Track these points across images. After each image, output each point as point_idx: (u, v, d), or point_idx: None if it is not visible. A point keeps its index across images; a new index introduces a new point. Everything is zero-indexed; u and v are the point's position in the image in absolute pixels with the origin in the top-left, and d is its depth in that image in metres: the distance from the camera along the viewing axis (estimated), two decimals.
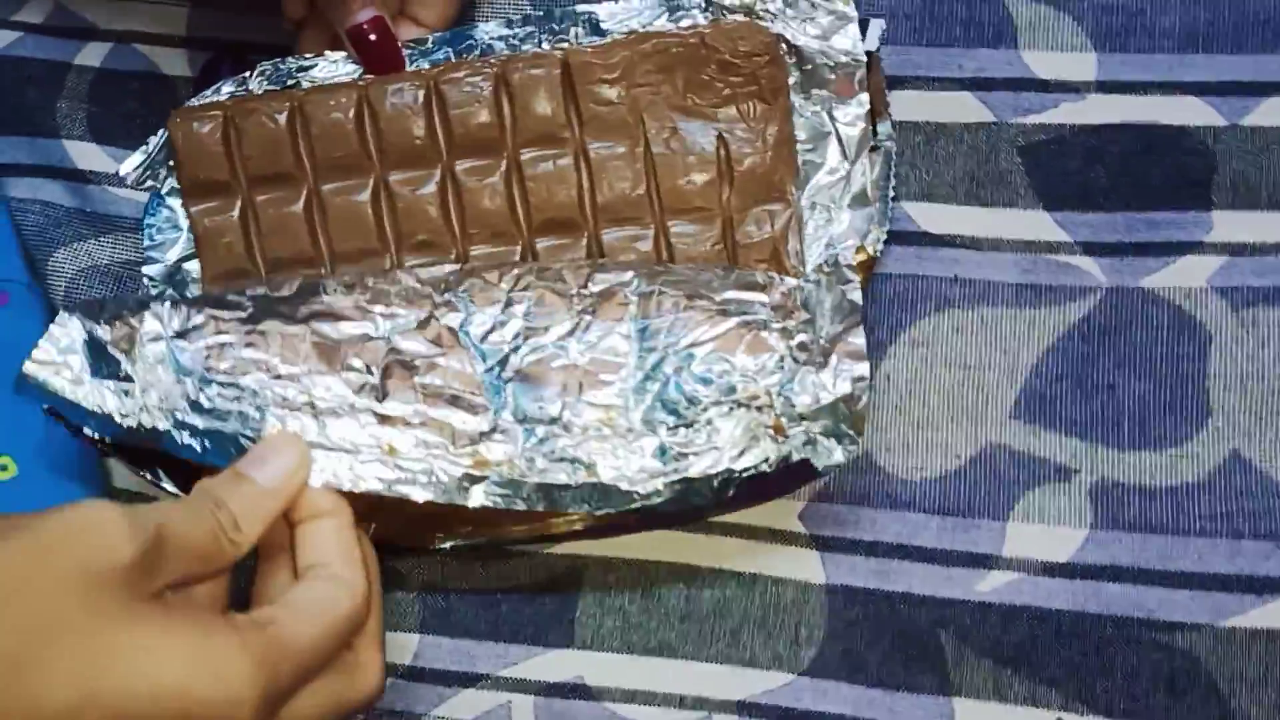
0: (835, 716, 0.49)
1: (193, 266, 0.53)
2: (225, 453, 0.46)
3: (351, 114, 0.51)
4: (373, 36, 0.51)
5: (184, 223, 0.53)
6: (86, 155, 0.59)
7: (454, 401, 0.48)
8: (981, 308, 0.52)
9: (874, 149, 0.51)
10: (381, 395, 0.48)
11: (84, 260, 0.57)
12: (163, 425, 0.47)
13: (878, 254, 0.51)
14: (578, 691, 0.51)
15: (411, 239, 0.52)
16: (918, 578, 0.50)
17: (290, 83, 0.53)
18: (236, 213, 0.52)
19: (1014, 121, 0.54)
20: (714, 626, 0.51)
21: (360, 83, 0.52)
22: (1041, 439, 0.51)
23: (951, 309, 0.53)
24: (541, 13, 0.53)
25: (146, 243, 0.53)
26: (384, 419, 0.47)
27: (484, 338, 0.49)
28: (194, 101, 0.53)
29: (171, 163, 0.53)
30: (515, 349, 0.49)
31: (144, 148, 0.53)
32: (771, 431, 0.47)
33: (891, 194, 0.52)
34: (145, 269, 0.53)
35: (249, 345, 0.48)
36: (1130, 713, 0.48)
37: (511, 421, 0.48)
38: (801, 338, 0.48)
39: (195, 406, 0.47)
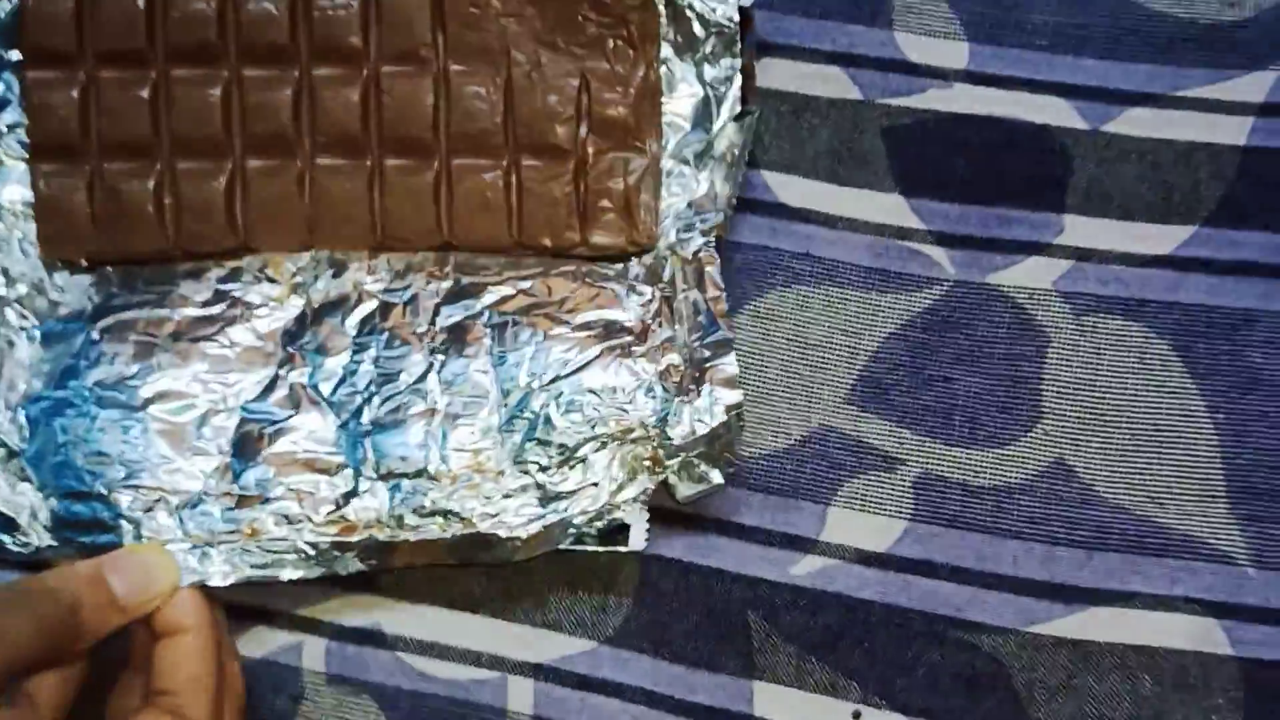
0: (633, 689, 0.47)
1: (14, 140, 0.49)
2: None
3: (213, 3, 0.48)
4: None
5: (19, 96, 0.49)
6: None
7: (310, 465, 0.45)
8: (829, 287, 0.51)
9: (740, 115, 0.49)
10: (236, 474, 0.45)
11: None
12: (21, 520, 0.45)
13: (726, 224, 0.49)
14: (373, 639, 0.48)
15: (256, 140, 0.49)
16: (733, 555, 0.48)
17: None
18: (77, 88, 0.48)
19: (880, 102, 0.52)
20: (520, 585, 0.48)
21: None
22: (873, 425, 0.49)
23: (800, 285, 0.51)
24: None
25: None
26: (241, 499, 0.45)
27: (334, 390, 0.46)
28: None
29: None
30: (369, 399, 0.46)
31: None
32: (650, 464, 0.45)
33: (746, 161, 0.50)
34: None
35: (88, 442, 0.45)
36: (927, 711, 0.46)
37: (375, 478, 0.45)
38: (669, 359, 0.47)
39: (63, 523, 0.45)
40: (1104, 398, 0.49)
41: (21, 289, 0.48)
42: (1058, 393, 0.50)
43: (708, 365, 0.45)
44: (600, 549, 0.46)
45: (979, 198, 0.52)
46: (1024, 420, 0.49)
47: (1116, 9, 0.53)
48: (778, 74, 0.53)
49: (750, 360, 0.50)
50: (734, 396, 0.45)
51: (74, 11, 0.48)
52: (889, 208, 0.52)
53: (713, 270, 0.47)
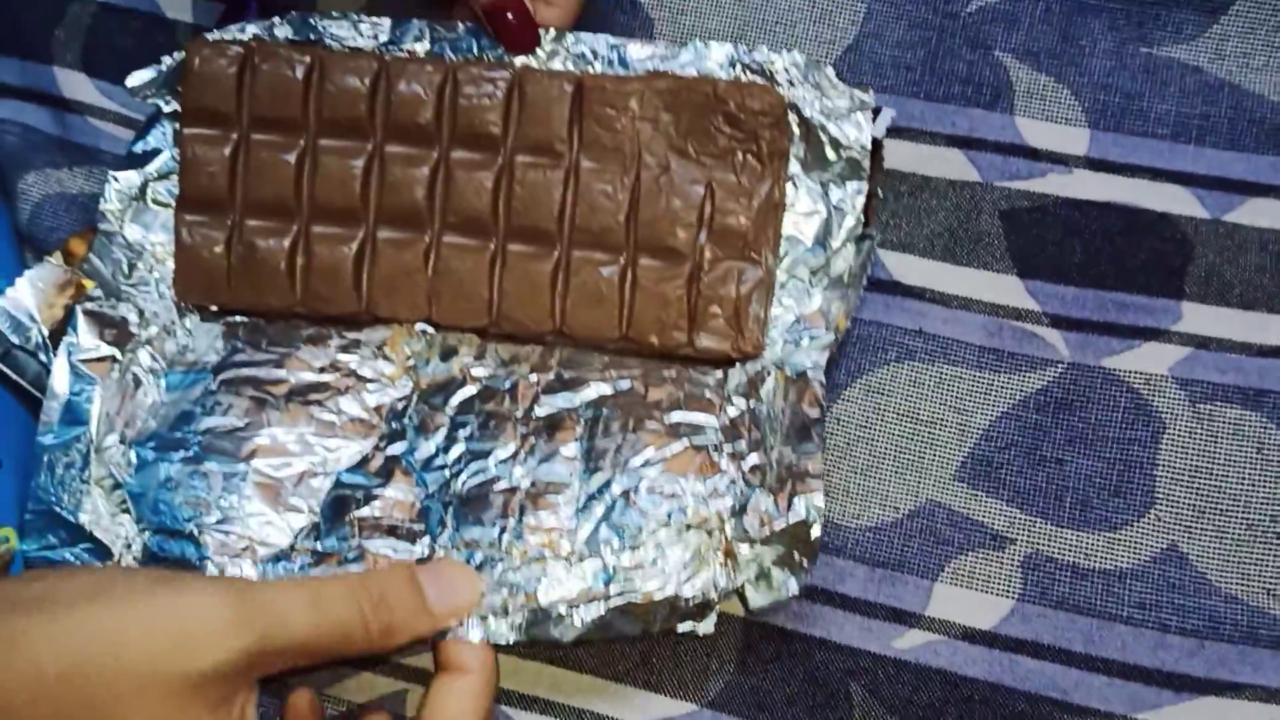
0: None
1: (162, 188, 0.51)
2: None
3: (368, 81, 0.49)
4: (509, 16, 0.49)
5: (172, 145, 0.51)
6: (75, 85, 0.57)
7: (392, 532, 0.46)
8: (942, 365, 0.50)
9: (861, 238, 0.49)
10: (321, 533, 0.46)
11: (54, 186, 0.54)
12: (115, 549, 0.47)
13: (837, 346, 0.49)
14: None
15: (390, 212, 0.50)
16: (836, 625, 0.48)
17: (313, 36, 0.51)
18: (229, 147, 0.50)
19: (999, 185, 0.52)
20: (622, 646, 0.48)
21: (384, 55, 0.50)
22: (982, 503, 0.49)
23: (912, 361, 0.50)
24: (574, 36, 0.51)
25: (130, 149, 0.51)
26: (320, 557, 0.46)
27: (427, 464, 0.48)
28: (216, 34, 0.51)
29: (179, 88, 0.51)
30: (457, 473, 0.47)
31: (157, 65, 0.50)
32: (721, 556, 0.45)
33: (865, 284, 0.49)
34: (115, 172, 0.51)
35: (190, 485, 0.47)
36: None
37: (449, 547, 0.46)
38: (754, 459, 0.46)
39: (152, 557, 0.46)
40: (1219, 486, 0.48)
41: (153, 330, 0.50)
42: (1172, 478, 0.48)
43: (795, 467, 0.45)
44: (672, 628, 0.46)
45: (1096, 282, 0.51)
46: (1137, 505, 0.48)
47: (1239, 100, 0.52)
48: (898, 155, 0.53)
49: (860, 434, 0.50)
50: (817, 497, 0.44)
51: (236, 76, 0.50)
52: (1005, 288, 0.51)
53: (818, 392, 0.47)
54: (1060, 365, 0.50)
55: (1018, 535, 0.49)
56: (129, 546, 0.47)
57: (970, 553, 0.49)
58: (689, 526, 0.46)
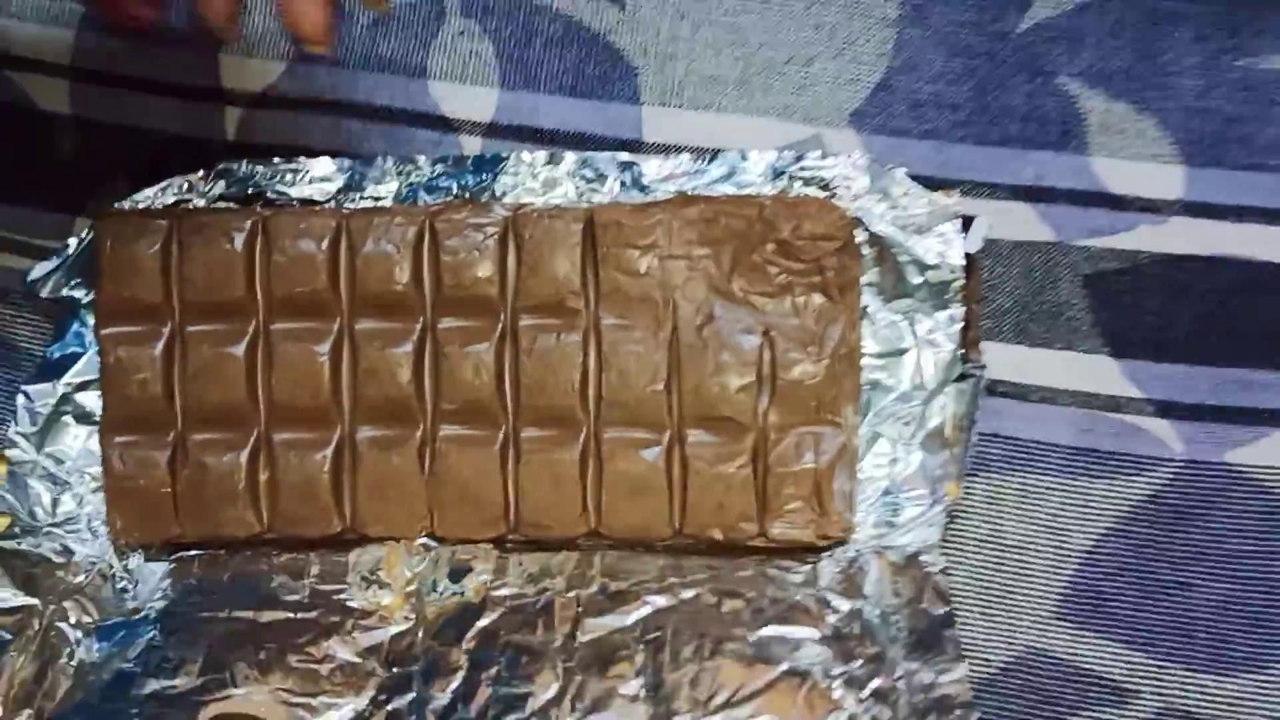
0: None
1: (86, 400, 0.44)
2: None
3: (325, 244, 0.42)
4: None
5: (94, 345, 0.43)
6: None
7: None
8: (1025, 474, 0.43)
9: (961, 377, 0.41)
10: None
11: None
12: None
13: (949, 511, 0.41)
14: None
15: (370, 406, 0.42)
16: None
17: (251, 190, 0.43)
18: (161, 346, 0.43)
19: (1079, 244, 0.44)
20: None
21: (343, 210, 0.42)
22: (1093, 648, 0.41)
23: (988, 473, 0.43)
24: (576, 157, 0.43)
25: (45, 355, 0.44)
26: None
27: (444, 718, 0.39)
28: (132, 200, 0.44)
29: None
30: None
31: (60, 252, 0.43)
32: None
33: (975, 437, 0.41)
34: (27, 387, 0.43)
35: None
36: None
37: None
38: (876, 683, 0.37)
39: None
40: None
41: (82, 577, 0.42)
42: None
43: (934, 691, 0.36)
44: None
45: (1210, 357, 0.43)
46: None
47: None
48: None
49: None
50: None
51: (161, 255, 0.42)
52: (1096, 373, 0.44)
53: (939, 580, 0.38)
54: (1174, 465, 0.43)
55: (1142, 686, 0.40)
56: None
57: (1085, 712, 0.40)
58: None
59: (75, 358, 0.44)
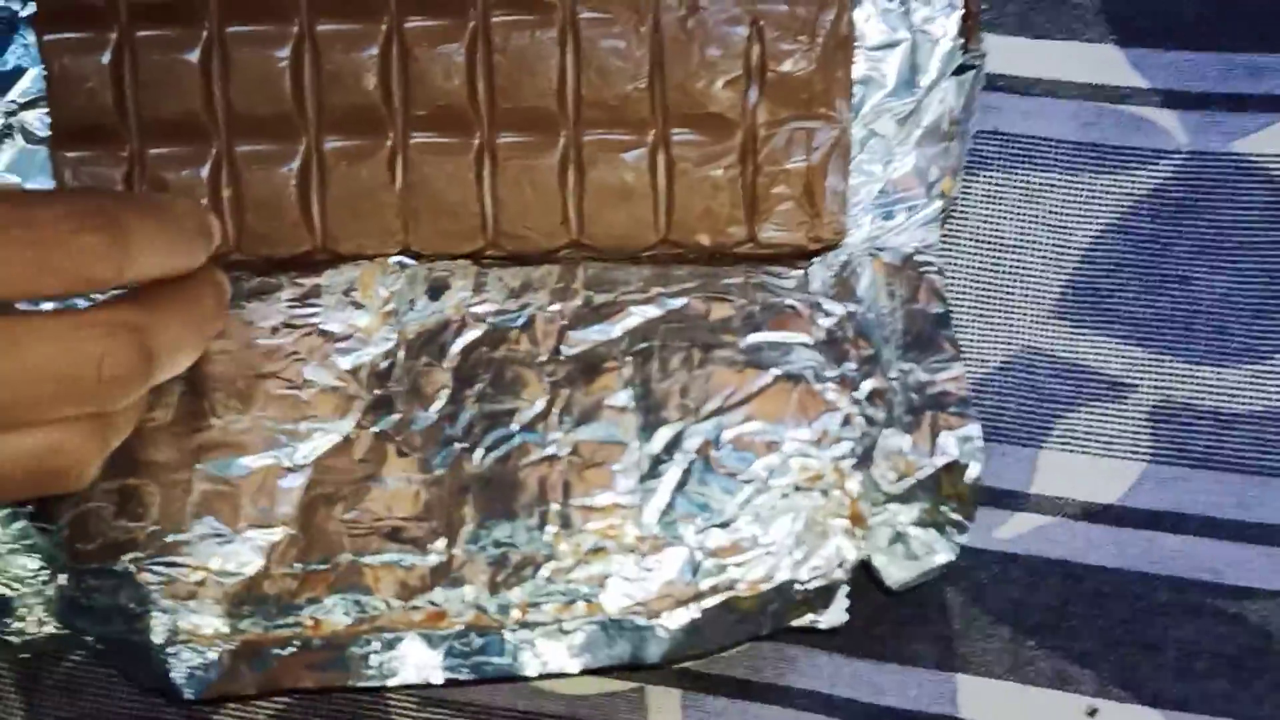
0: (805, 693, 0.38)
1: (33, 118, 0.40)
2: (130, 658, 0.36)
3: None
4: None
5: (39, 60, 0.40)
6: None
7: (394, 537, 0.36)
8: (1026, 171, 0.40)
9: (960, 69, 0.38)
10: (300, 550, 0.36)
11: None
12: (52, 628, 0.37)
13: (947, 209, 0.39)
14: None
15: (336, 113, 0.39)
16: None
17: None
18: (108, 53, 0.39)
19: None
20: None
21: None
22: (1092, 344, 0.39)
23: (987, 171, 0.40)
24: None
25: None
26: (304, 579, 0.36)
27: (429, 439, 0.37)
28: None
29: None
30: (471, 447, 0.37)
31: None
32: (847, 523, 0.35)
33: (974, 130, 0.38)
34: None
35: (118, 512, 0.36)
36: (1183, 701, 0.37)
37: (474, 550, 0.36)
38: (871, 384, 0.36)
39: (74, 607, 0.36)
40: None
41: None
42: None
43: (929, 389, 0.35)
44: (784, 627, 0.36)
45: (1218, 42, 0.40)
46: None
47: None
48: None
49: None
50: (969, 426, 0.35)
51: None
52: (1100, 62, 0.40)
53: (934, 279, 0.36)
54: (1179, 156, 0.40)
55: (1141, 380, 0.39)
56: (40, 594, 0.37)
57: (1082, 408, 0.39)
58: (796, 488, 0.35)
59: (19, 73, 0.40)
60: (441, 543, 0.36)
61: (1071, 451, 0.39)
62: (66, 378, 0.30)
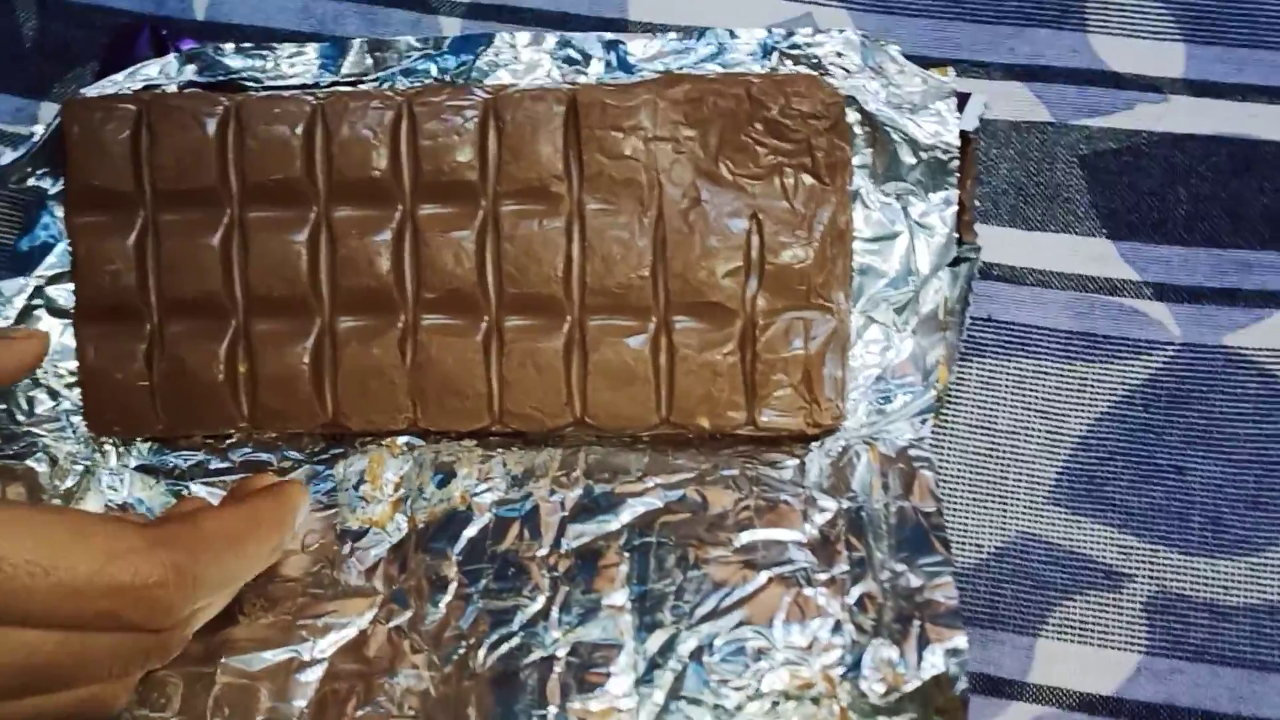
0: None
1: (59, 293, 0.41)
2: None
3: (300, 130, 0.39)
4: None
5: (64, 236, 0.41)
6: None
7: None
8: (1020, 358, 0.40)
9: (956, 261, 0.38)
10: None
11: None
12: None
13: (944, 397, 0.39)
14: None
15: (350, 294, 0.39)
16: None
17: (223, 75, 0.40)
18: (133, 236, 0.40)
19: (1076, 124, 0.41)
20: None
21: (318, 95, 0.39)
22: (1087, 532, 0.39)
23: (982, 358, 0.40)
24: (559, 38, 0.40)
25: (16, 248, 0.41)
26: None
27: (438, 638, 0.37)
28: (100, 86, 0.40)
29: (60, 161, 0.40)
30: (474, 645, 0.36)
31: (27, 139, 0.40)
32: None
33: (969, 320, 0.39)
34: None
35: (140, 701, 0.36)
36: None
37: None
38: (861, 588, 0.35)
39: None
40: None
41: (70, 480, 0.40)
42: None
43: (919, 596, 0.34)
44: None
45: (1209, 238, 0.40)
46: None
47: None
48: None
49: None
50: (957, 638, 0.34)
51: (131, 142, 0.39)
52: (1092, 255, 0.41)
53: (927, 476, 0.36)
54: (1171, 348, 0.40)
55: (1136, 570, 0.38)
56: None
57: (1079, 596, 0.38)
58: (787, 695, 0.35)
59: (47, 249, 0.41)
60: None
61: (1068, 641, 0.38)
62: (124, 648, 0.30)
